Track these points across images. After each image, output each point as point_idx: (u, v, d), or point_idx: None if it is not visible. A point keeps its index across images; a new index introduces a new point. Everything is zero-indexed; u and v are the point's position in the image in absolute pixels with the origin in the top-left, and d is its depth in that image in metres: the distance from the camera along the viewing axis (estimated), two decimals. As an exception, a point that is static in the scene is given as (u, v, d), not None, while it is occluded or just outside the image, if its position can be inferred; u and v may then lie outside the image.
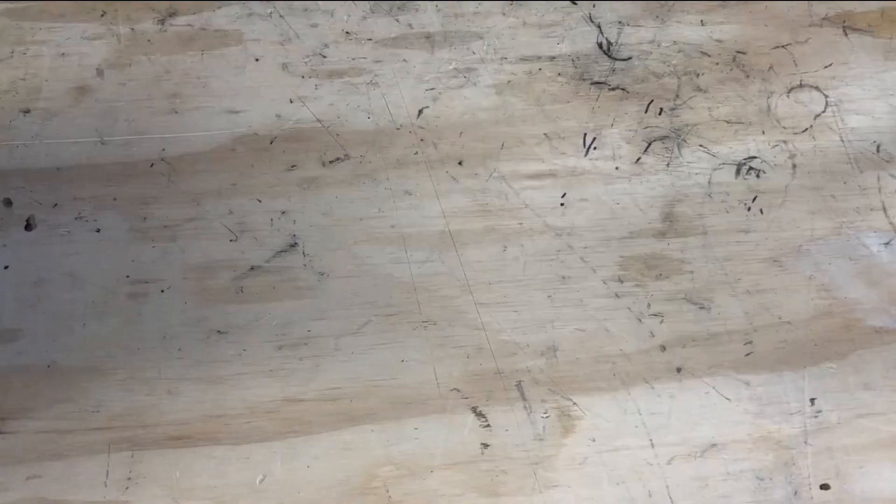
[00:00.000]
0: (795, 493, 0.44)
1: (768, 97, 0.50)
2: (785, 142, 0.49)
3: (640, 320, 0.46)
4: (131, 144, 0.49)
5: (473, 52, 0.50)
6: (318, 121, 0.49)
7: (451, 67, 0.50)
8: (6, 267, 0.47)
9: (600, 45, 0.50)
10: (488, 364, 0.45)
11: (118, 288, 0.46)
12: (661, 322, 0.46)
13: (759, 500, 0.44)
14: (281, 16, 0.51)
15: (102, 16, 0.51)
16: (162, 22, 0.50)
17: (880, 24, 0.51)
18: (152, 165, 0.48)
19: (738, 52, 0.51)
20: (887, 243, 0.48)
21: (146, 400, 0.45)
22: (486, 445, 0.45)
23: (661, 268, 0.47)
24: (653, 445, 0.45)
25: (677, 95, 0.50)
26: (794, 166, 0.49)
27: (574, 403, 0.45)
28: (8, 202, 0.48)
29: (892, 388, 0.46)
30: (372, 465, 0.44)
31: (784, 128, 0.49)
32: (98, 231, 0.47)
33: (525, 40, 0.50)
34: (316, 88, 0.50)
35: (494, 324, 0.46)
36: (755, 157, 0.49)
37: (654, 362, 0.46)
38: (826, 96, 0.50)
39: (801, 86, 0.50)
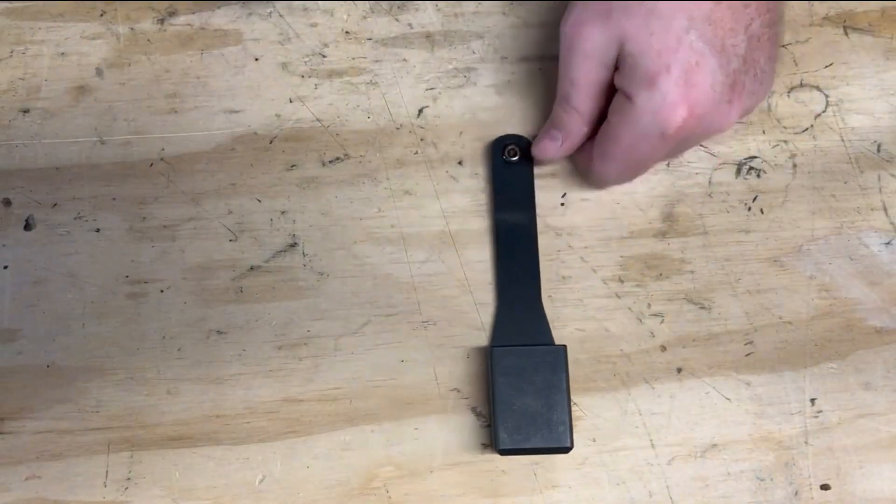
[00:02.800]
0: (796, 493, 0.44)
1: (768, 97, 0.50)
2: (785, 142, 0.49)
3: (640, 320, 0.46)
4: (130, 144, 0.49)
5: (473, 52, 0.50)
6: (318, 120, 0.49)
7: (451, 67, 0.50)
8: (5, 267, 0.47)
9: (600, 45, 0.50)
10: (488, 364, 0.45)
11: (117, 288, 0.46)
12: (662, 322, 0.46)
13: (759, 501, 0.44)
14: (280, 15, 0.51)
15: (102, 15, 0.51)
16: (161, 22, 0.50)
17: (881, 23, 0.51)
18: (151, 165, 0.48)
19: (739, 51, 0.50)
20: (888, 243, 0.48)
21: (146, 400, 0.45)
22: (486, 445, 0.45)
23: (661, 268, 0.47)
24: (653, 446, 0.45)
25: (677, 95, 0.50)
26: (795, 166, 0.49)
27: (574, 403, 0.45)
28: (7, 202, 0.48)
29: (892, 388, 0.46)
30: (372, 465, 0.44)
31: (784, 127, 0.49)
32: (97, 231, 0.47)
33: (525, 40, 0.50)
34: (315, 88, 0.50)
35: (494, 324, 0.46)
36: (755, 157, 0.49)
37: (654, 362, 0.46)
38: (826, 96, 0.50)
39: (801, 85, 0.50)
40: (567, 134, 0.45)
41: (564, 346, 0.44)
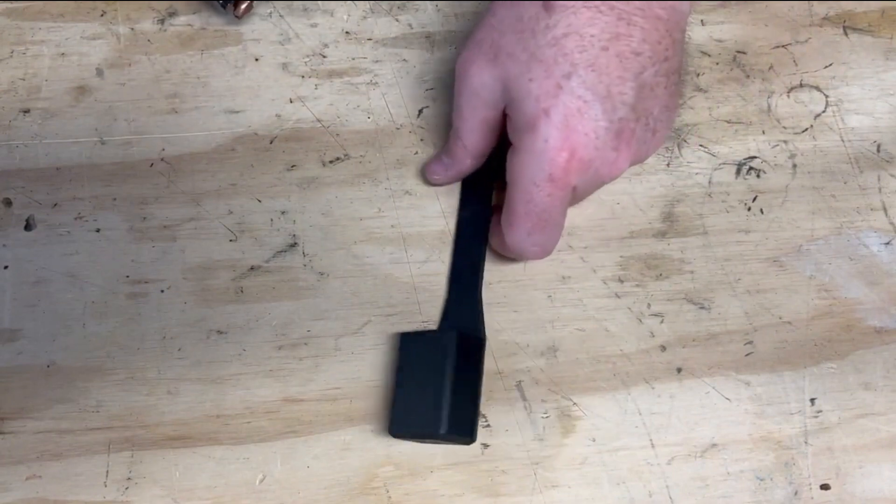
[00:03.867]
0: (796, 493, 0.44)
1: (768, 97, 0.50)
2: (785, 142, 0.49)
3: (640, 320, 0.46)
4: (131, 144, 0.49)
5: (473, 52, 0.50)
6: (318, 121, 0.49)
7: (451, 67, 0.50)
8: (6, 267, 0.47)
9: (600, 45, 0.50)
10: (488, 364, 0.45)
11: (118, 288, 0.46)
12: (661, 322, 0.46)
13: (759, 501, 0.44)
14: (281, 16, 0.51)
15: (102, 15, 0.51)
16: (162, 22, 0.50)
17: (880, 24, 0.51)
18: (152, 165, 0.48)
19: (738, 51, 0.51)
20: (887, 243, 0.48)
21: (146, 400, 0.45)
22: (486, 445, 0.45)
23: (661, 268, 0.47)
24: (653, 445, 0.45)
25: (677, 95, 0.50)
26: (795, 166, 0.49)
27: (574, 403, 0.45)
28: (8, 202, 0.48)
29: (892, 388, 0.46)
30: (372, 465, 0.44)
31: (784, 128, 0.49)
32: (98, 231, 0.47)
33: (525, 40, 0.50)
34: (316, 88, 0.50)
35: (494, 324, 0.46)
36: (755, 157, 0.49)
37: (654, 362, 0.46)
38: (826, 96, 0.50)
39: (801, 86, 0.50)
40: (452, 161, 0.46)
41: (455, 332, 0.43)
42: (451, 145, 0.46)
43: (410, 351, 0.44)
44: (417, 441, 0.44)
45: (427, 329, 0.46)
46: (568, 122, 0.39)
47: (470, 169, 0.46)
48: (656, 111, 0.41)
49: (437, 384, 0.42)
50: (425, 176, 0.48)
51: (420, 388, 0.42)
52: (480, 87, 0.42)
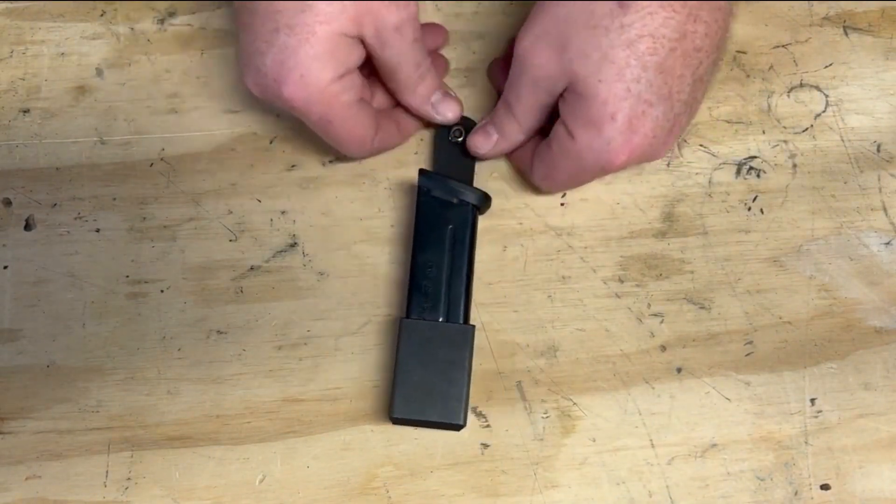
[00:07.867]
0: (796, 493, 0.44)
1: (768, 97, 0.50)
2: (785, 142, 0.49)
3: (640, 320, 0.46)
4: (131, 144, 0.49)
5: (473, 52, 0.50)
6: (318, 121, 0.49)
7: (451, 67, 0.50)
8: (6, 267, 0.47)
9: (600, 45, 0.50)
10: (488, 364, 0.45)
11: (118, 288, 0.46)
12: (661, 322, 0.46)
13: (759, 501, 0.44)
14: (281, 15, 0.51)
15: (102, 15, 0.51)
16: (161, 22, 0.50)
17: (880, 23, 0.51)
18: (152, 165, 0.48)
19: (738, 51, 0.51)
20: (887, 243, 0.48)
21: (146, 400, 0.45)
22: (486, 445, 0.45)
23: (661, 268, 0.47)
24: (653, 445, 0.45)
25: (677, 95, 0.50)
26: (795, 166, 0.49)
27: (574, 403, 0.45)
28: (7, 202, 0.48)
29: (892, 388, 0.46)
30: (372, 465, 0.44)
31: (784, 128, 0.49)
32: (97, 231, 0.47)
33: (525, 40, 0.50)
34: (316, 88, 0.49)
35: (494, 324, 0.46)
36: (755, 157, 0.49)
37: (654, 362, 0.46)
38: (826, 96, 0.50)
39: (801, 85, 0.50)
40: (503, 136, 0.46)
41: (474, 327, 0.44)
42: (502, 121, 0.45)
43: (414, 338, 0.43)
44: (410, 426, 0.44)
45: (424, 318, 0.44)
46: (632, 124, 0.40)
47: (518, 144, 0.46)
48: (700, 96, 0.43)
49: (455, 376, 0.43)
50: (469, 148, 0.47)
51: (430, 376, 0.43)
52: (543, 78, 0.42)
